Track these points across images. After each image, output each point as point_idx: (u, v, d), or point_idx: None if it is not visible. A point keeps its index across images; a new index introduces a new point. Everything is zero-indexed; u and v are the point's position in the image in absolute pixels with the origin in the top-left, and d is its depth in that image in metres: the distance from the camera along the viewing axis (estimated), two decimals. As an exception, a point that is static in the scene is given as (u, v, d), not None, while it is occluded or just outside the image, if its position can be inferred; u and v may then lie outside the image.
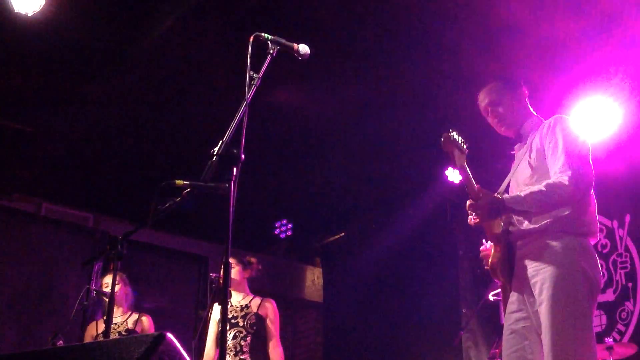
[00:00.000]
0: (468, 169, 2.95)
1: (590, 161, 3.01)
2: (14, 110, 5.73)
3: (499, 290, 3.27)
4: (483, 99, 3.26)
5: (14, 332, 6.35)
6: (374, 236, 8.01)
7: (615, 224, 5.82)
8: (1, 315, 6.33)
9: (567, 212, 2.90)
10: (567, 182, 2.83)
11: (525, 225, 2.98)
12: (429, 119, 5.84)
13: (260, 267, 5.06)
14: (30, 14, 4.31)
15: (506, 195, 2.94)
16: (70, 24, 4.68)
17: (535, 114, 3.26)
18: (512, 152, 3.31)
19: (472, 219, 2.99)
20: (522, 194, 2.90)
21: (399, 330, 7.38)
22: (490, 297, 4.96)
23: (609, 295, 5.69)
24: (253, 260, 5.04)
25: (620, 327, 5.55)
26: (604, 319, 5.66)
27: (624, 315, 5.55)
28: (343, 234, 8.50)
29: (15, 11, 4.28)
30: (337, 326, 8.32)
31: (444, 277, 7.06)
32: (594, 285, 2.87)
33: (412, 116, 5.90)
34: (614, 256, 5.77)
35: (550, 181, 2.89)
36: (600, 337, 5.41)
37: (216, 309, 4.95)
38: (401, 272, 7.57)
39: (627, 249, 5.70)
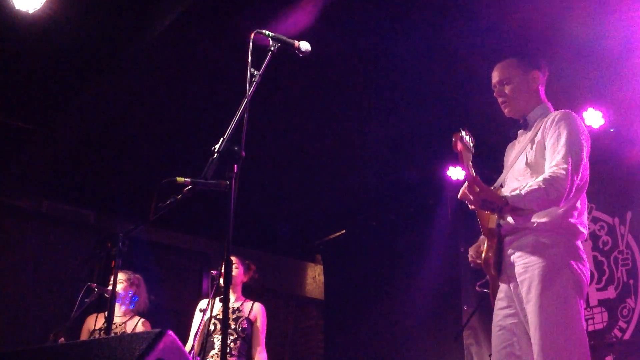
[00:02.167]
0: (472, 169, 2.88)
1: (586, 160, 2.97)
2: (14, 107, 5.73)
3: (485, 280, 3.27)
4: (495, 76, 3.18)
5: (15, 330, 6.37)
6: (375, 233, 8.02)
7: (617, 221, 5.82)
8: (2, 313, 6.34)
9: (557, 212, 2.89)
10: (564, 175, 2.79)
11: (512, 222, 2.95)
12: (430, 116, 5.84)
13: (257, 276, 5.08)
14: (31, 12, 4.31)
15: (509, 195, 2.85)
16: (71, 21, 4.68)
17: (546, 101, 3.18)
18: (515, 138, 3.25)
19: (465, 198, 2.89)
20: (523, 192, 2.82)
21: (400, 327, 7.38)
22: (477, 288, 4.96)
23: (610, 293, 5.69)
24: (252, 267, 5.06)
25: (621, 324, 5.55)
26: (605, 316, 5.66)
27: (625, 312, 5.55)
28: (344, 231, 8.51)
29: (16, 9, 4.28)
30: (338, 323, 8.33)
31: (445, 274, 7.06)
32: (583, 283, 2.85)
33: (413, 113, 5.90)
34: (615, 253, 5.77)
35: (547, 175, 2.83)
36: (601, 335, 5.41)
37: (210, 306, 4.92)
38: (402, 268, 7.57)
39: (628, 246, 5.70)
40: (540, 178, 2.84)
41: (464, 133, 2.89)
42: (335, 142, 6.46)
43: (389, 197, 7.54)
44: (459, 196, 2.93)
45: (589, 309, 5.65)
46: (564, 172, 2.80)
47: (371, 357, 7.64)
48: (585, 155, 2.95)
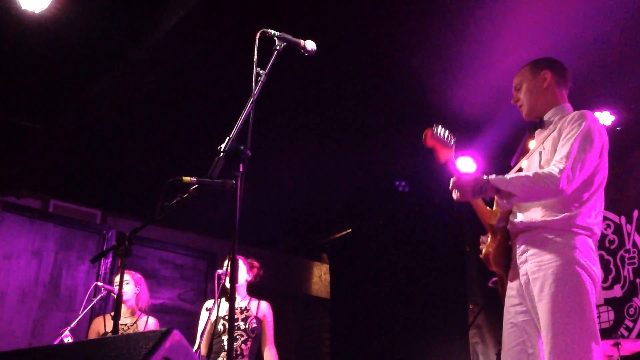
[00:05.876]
0: (455, 164, 2.95)
1: (601, 159, 2.95)
2: (20, 106, 5.75)
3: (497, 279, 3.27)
4: (513, 84, 3.28)
5: (23, 329, 6.39)
6: (381, 232, 8.02)
7: (623, 219, 5.81)
8: (10, 312, 6.37)
9: (572, 211, 2.87)
10: (557, 174, 2.79)
11: (525, 219, 2.96)
12: (436, 112, 5.83)
13: (261, 273, 5.04)
14: (37, 12, 4.32)
15: (492, 176, 2.90)
16: (76, 21, 4.69)
17: (564, 102, 3.17)
18: (532, 136, 3.25)
19: (455, 194, 2.94)
20: (508, 177, 2.88)
21: (405, 326, 7.39)
22: (490, 284, 4.99)
23: (617, 291, 5.68)
24: (255, 264, 5.01)
25: (628, 323, 5.54)
26: (612, 314, 5.65)
27: (631, 311, 5.54)
28: (350, 230, 8.51)
29: (22, 9, 4.30)
30: (344, 322, 8.34)
31: (451, 273, 7.06)
32: (595, 283, 2.85)
33: (418, 111, 5.89)
34: (621, 252, 5.76)
35: (540, 170, 2.86)
36: (608, 333, 5.40)
37: (215, 306, 4.87)
38: (408, 267, 7.57)
39: (634, 245, 5.69)
40: (533, 171, 2.88)
41: (438, 128, 2.95)
42: (341, 140, 6.46)
43: (394, 196, 7.54)
44: (454, 198, 2.95)
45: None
46: (557, 171, 2.81)
47: (377, 356, 7.65)
48: (593, 155, 2.91)
